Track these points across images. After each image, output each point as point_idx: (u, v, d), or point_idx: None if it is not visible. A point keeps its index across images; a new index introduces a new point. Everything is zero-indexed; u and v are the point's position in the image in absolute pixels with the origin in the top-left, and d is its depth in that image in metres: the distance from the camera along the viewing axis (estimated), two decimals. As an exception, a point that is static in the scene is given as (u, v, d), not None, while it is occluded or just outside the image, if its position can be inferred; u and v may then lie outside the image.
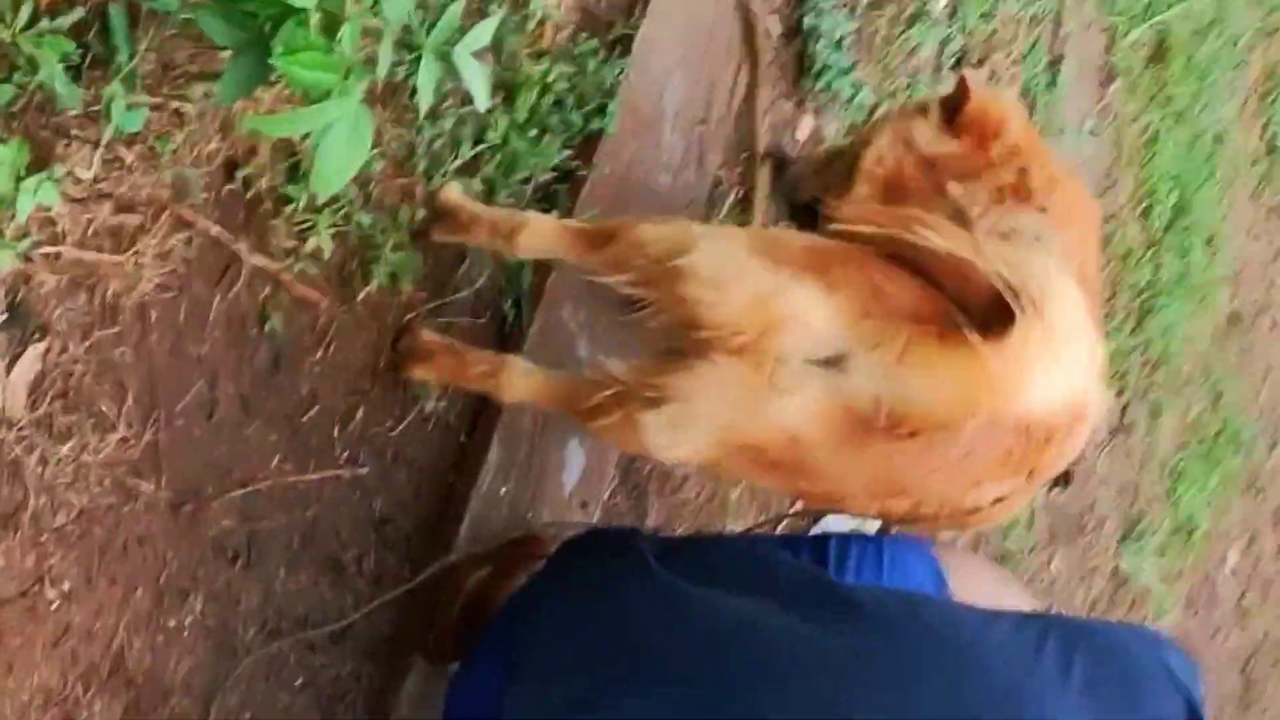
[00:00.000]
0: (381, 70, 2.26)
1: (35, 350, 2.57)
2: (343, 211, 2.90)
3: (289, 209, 2.83)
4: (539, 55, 3.26)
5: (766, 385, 2.50)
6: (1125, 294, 5.70)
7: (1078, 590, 5.79)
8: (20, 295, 2.54)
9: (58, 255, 2.57)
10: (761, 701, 2.51)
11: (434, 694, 3.12)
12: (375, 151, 2.92)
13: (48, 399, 2.60)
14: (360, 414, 3.06)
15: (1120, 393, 5.87)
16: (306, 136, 2.37)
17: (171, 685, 2.82)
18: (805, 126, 4.08)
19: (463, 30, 2.28)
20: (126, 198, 2.65)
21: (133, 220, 2.66)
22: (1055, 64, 5.15)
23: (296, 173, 2.81)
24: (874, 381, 2.49)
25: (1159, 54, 5.74)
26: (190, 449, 2.82)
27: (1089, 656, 2.57)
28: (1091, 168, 5.36)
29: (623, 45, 3.46)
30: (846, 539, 3.08)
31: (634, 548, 2.85)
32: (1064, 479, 5.12)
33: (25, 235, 2.48)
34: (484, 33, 2.35)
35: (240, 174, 2.79)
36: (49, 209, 2.49)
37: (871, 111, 4.19)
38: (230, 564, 2.89)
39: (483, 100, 2.37)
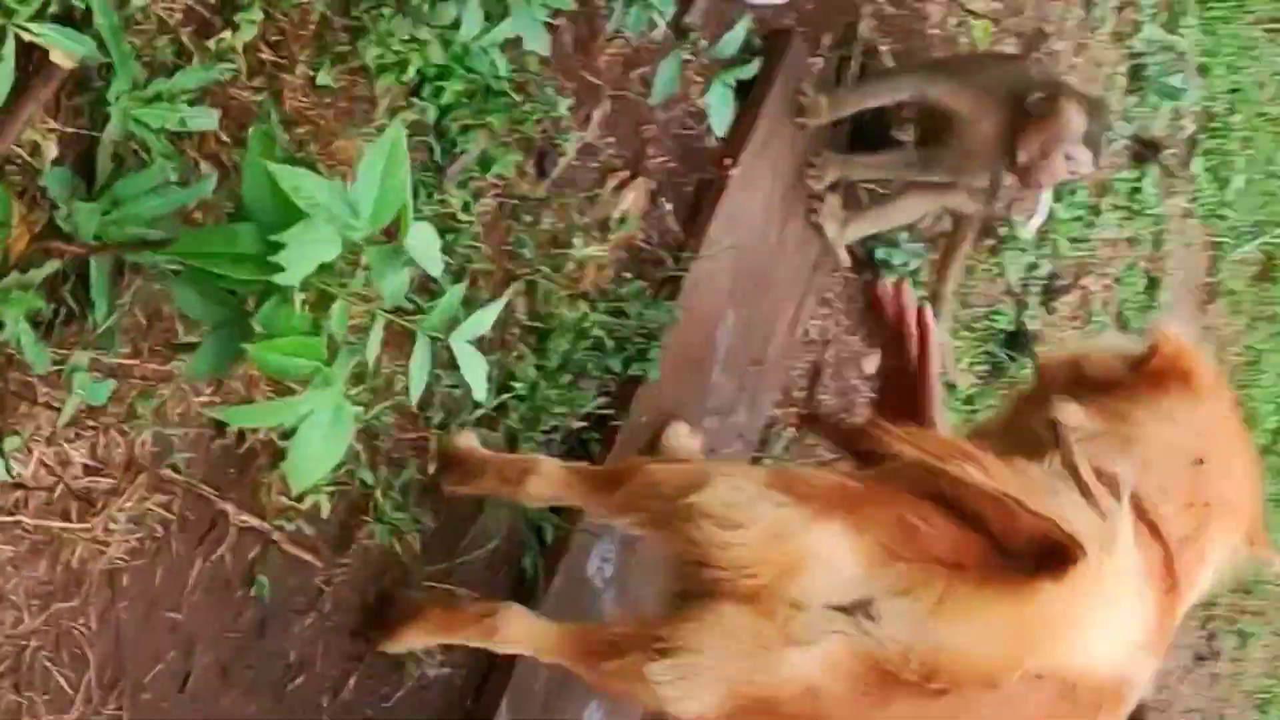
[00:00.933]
0: (370, 354, 2.06)
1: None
2: (344, 467, 2.68)
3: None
4: (577, 297, 3.05)
5: (780, 635, 2.30)
6: None
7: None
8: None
9: (17, 523, 2.35)
10: None
11: None
12: (385, 404, 2.70)
13: (-2, 677, 2.38)
14: (353, 681, 2.86)
15: (1208, 620, 5.65)
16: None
17: None
18: (872, 362, 3.87)
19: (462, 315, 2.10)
20: (100, 458, 2.46)
21: (104, 483, 2.48)
22: (1153, 285, 4.92)
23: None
24: (904, 630, 2.26)
25: (1266, 271, 5.51)
26: (160, 722, 2.58)
27: None
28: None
29: (671, 285, 3.24)
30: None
31: None
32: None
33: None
34: (485, 319, 2.17)
35: (231, 429, 2.57)
36: (10, 478, 2.29)
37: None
38: None
39: (480, 393, 2.17)
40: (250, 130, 2.04)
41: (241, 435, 2.63)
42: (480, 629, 2.72)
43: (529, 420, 3.01)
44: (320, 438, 2.08)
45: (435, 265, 2.06)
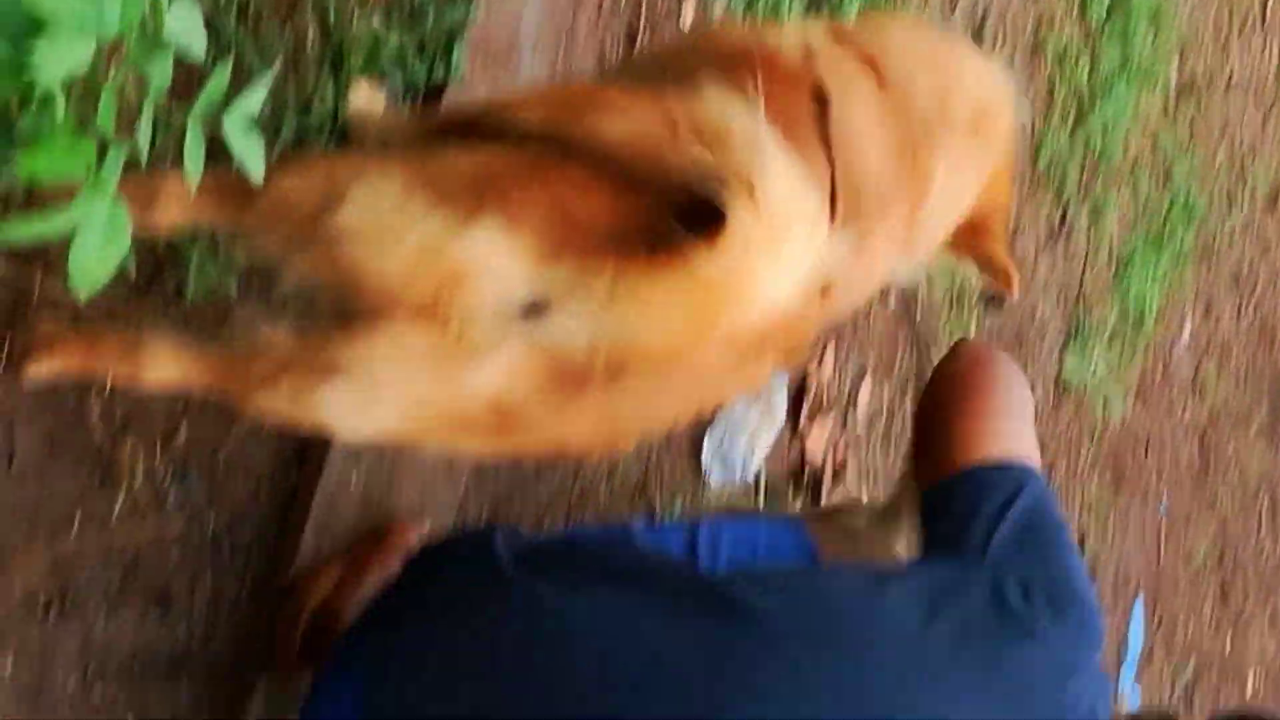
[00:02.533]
0: (142, 142, 2.01)
1: None
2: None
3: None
4: (368, 10, 2.95)
5: (455, 348, 2.15)
6: (1062, 94, 5.47)
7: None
8: None
9: None
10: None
11: (281, 709, 2.94)
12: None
13: None
14: (183, 430, 2.83)
15: (1060, 194, 5.70)
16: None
17: (-24, 760, 2.63)
18: (689, 12, 3.79)
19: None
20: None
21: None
22: None
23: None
24: (582, 329, 2.13)
25: None
26: (-15, 505, 2.57)
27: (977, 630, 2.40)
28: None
29: (468, -21, 3.13)
30: (719, 526, 2.88)
31: (490, 553, 2.61)
32: (995, 301, 4.94)
33: None
34: (253, 101, 2.10)
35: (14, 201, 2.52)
36: None
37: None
38: (43, 617, 2.71)
39: (256, 174, 2.11)
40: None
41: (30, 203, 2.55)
42: (126, 362, 2.51)
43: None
44: (97, 245, 2.04)
45: (199, 47, 2.00)
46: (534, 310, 2.15)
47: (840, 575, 2.58)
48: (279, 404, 2.33)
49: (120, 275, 2.50)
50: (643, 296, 2.10)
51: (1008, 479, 2.61)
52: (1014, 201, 2.88)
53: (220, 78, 2.08)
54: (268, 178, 2.13)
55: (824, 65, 2.51)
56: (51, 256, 2.59)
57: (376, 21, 3.00)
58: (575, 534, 2.99)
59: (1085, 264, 6.10)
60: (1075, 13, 5.59)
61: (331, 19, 2.92)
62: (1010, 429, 2.77)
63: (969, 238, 2.89)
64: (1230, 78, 6.64)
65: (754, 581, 2.50)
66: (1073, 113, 5.67)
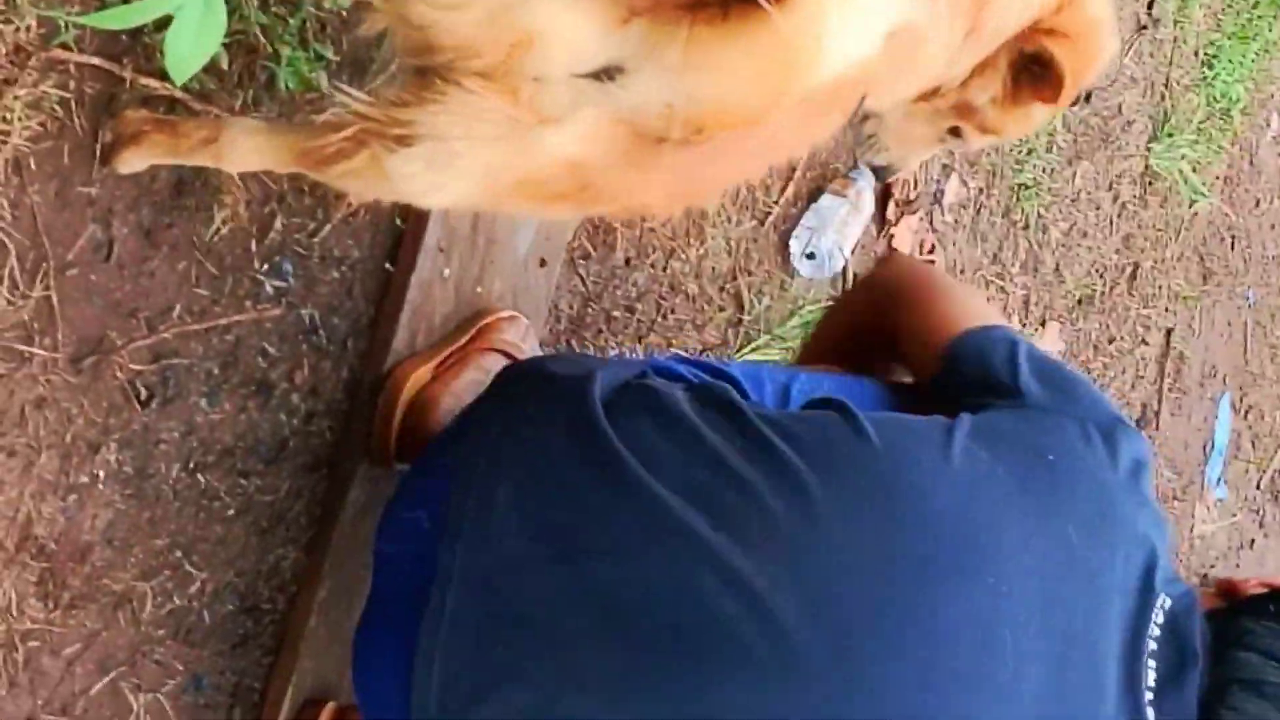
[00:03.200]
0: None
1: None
2: (236, 14, 2.63)
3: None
4: None
5: (529, 112, 2.12)
6: None
7: (1104, 197, 5.61)
8: None
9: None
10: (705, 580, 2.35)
11: (381, 498, 2.97)
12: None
13: (-85, 283, 2.39)
14: (278, 222, 2.86)
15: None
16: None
17: (90, 541, 2.71)
18: None
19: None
20: (-17, 46, 2.39)
21: (-7, 69, 2.41)
22: None
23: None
24: (658, 91, 2.11)
25: None
26: (88, 296, 2.64)
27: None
28: None
29: None
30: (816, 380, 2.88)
31: (586, 403, 2.60)
32: (1084, 97, 4.89)
33: None
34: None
35: (116, -2, 2.51)
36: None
37: None
38: (144, 406, 2.74)
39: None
40: None
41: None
42: (207, 151, 2.52)
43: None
44: (193, 30, 2.06)
45: None
46: (607, 74, 2.12)
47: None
48: (358, 174, 2.31)
49: (212, 67, 2.51)
50: (717, 58, 2.08)
51: (999, 338, 2.75)
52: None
53: None
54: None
55: None
56: (145, 48, 2.57)
57: None
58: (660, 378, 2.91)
59: (1171, 57, 6.02)
60: None
61: None
62: (976, 305, 2.94)
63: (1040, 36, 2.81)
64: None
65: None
66: None
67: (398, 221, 3.08)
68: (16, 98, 2.46)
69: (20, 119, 2.47)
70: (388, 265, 3.09)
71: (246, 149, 2.49)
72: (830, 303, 3.24)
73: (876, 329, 3.01)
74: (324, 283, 2.98)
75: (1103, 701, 2.36)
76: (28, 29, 2.45)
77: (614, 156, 2.20)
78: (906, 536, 2.37)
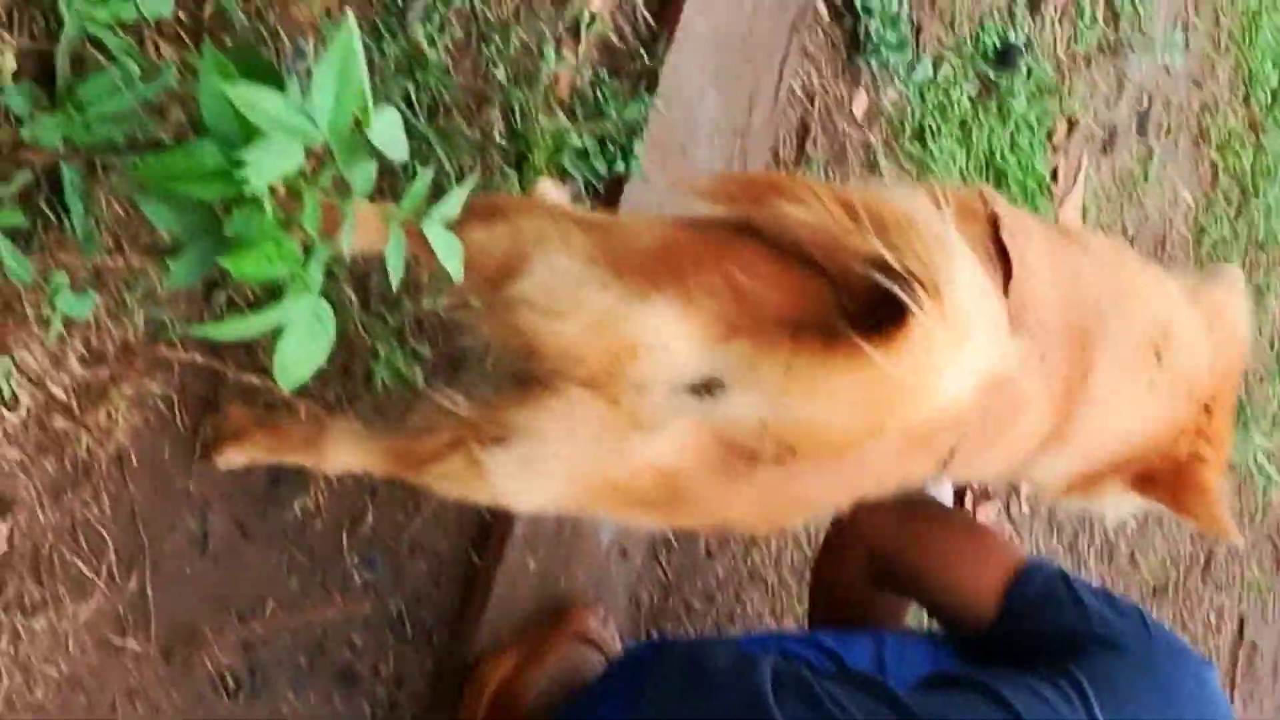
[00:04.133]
0: (345, 245, 2.06)
1: (-1, 529, 2.40)
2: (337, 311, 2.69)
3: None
4: (554, 108, 3.01)
5: (626, 419, 2.18)
6: (1225, 180, 5.44)
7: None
8: (-23, 475, 2.37)
9: (23, 428, 2.39)
10: None
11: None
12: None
13: (17, 576, 2.43)
14: (369, 515, 2.89)
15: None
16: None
17: (174, 838, 2.68)
18: (860, 103, 3.82)
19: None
20: (95, 352, 2.49)
21: (102, 373, 2.49)
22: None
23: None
24: (754, 408, 2.14)
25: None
26: (182, 589, 2.67)
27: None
28: (1185, 68, 5.06)
29: (649, 77, 3.19)
30: (903, 642, 2.92)
31: (760, 703, 2.62)
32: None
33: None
34: (453, 204, 2.15)
35: (220, 295, 2.58)
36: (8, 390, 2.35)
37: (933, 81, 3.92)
38: (232, 697, 2.76)
39: (456, 275, 2.15)
40: (202, 50, 2.01)
41: (232, 300, 2.62)
42: (307, 451, 2.57)
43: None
44: (303, 341, 2.10)
45: (400, 152, 2.05)
46: (706, 388, 2.18)
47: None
48: (454, 477, 2.37)
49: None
50: (817, 384, 2.11)
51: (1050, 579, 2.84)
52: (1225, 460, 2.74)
53: (422, 182, 2.13)
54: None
55: (1000, 207, 2.50)
56: (246, 344, 2.63)
57: (560, 118, 3.04)
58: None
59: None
60: (1240, 100, 5.55)
61: (517, 117, 2.97)
62: (983, 538, 3.04)
63: (1170, 484, 2.72)
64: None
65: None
66: (1236, 199, 5.63)
67: (485, 514, 3.11)
68: (123, 396, 2.52)
69: (124, 416, 2.53)
70: (474, 557, 3.11)
71: (346, 452, 2.54)
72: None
73: (887, 581, 3.02)
74: (411, 574, 3.01)
75: None
76: (135, 329, 2.51)
77: (705, 469, 2.23)
78: None
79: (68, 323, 2.41)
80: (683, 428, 2.20)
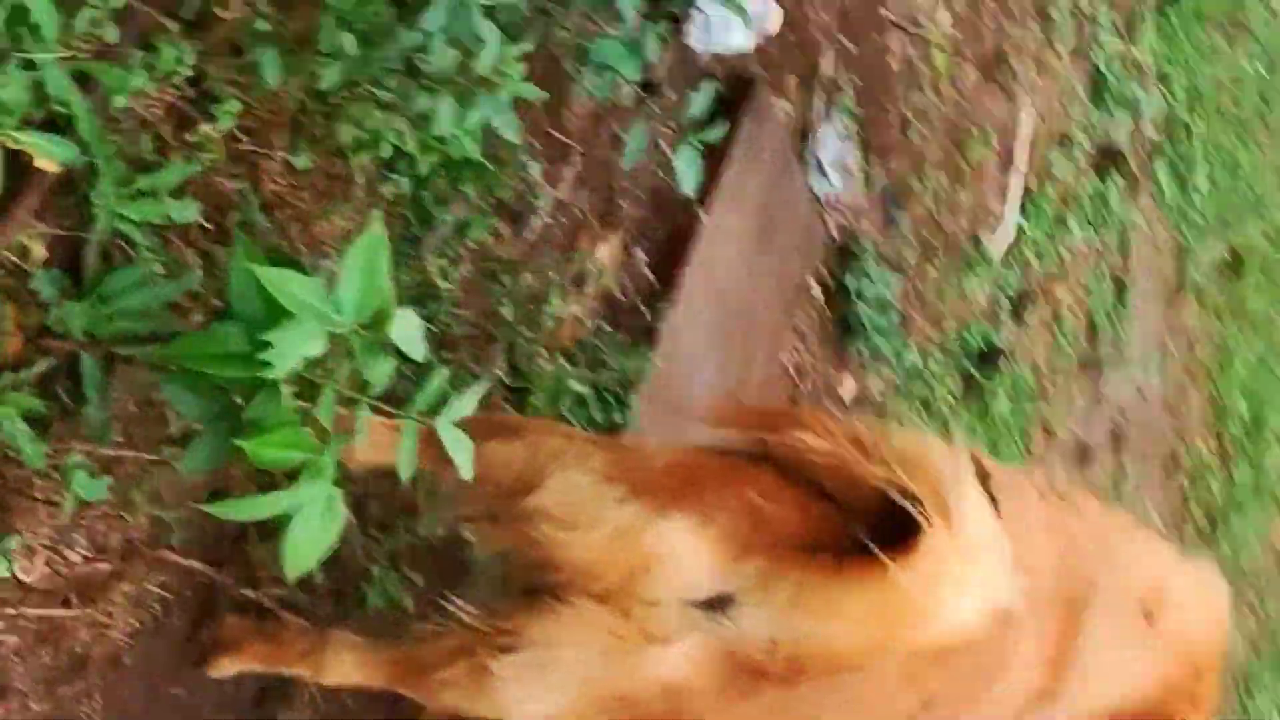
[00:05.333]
0: (359, 440, 2.11)
1: (-10, 729, 2.41)
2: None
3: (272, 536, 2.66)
4: (556, 353, 3.09)
5: (637, 632, 2.22)
6: (1195, 509, 5.53)
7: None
8: (-27, 669, 2.39)
9: (19, 615, 2.40)
10: None
11: None
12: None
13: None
14: (371, 733, 2.87)
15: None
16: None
17: None
18: (849, 388, 3.91)
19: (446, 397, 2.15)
20: (98, 546, 2.52)
21: (103, 569, 2.52)
22: (1121, 290, 4.98)
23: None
24: (764, 626, 2.20)
25: (1234, 268, 5.58)
26: (167, 803, 2.62)
27: None
28: (1160, 392, 5.18)
29: (649, 334, 3.28)
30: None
31: None
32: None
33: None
34: (468, 404, 2.21)
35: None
36: (10, 574, 2.36)
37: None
38: None
39: (466, 472, 2.20)
40: (235, 233, 2.09)
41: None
42: (307, 662, 2.60)
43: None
44: (313, 526, 2.14)
45: (418, 352, 2.11)
46: (718, 604, 2.24)
47: None
48: (459, 685, 2.39)
49: (306, 581, 2.62)
50: (828, 602, 2.18)
51: None
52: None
53: (438, 378, 2.20)
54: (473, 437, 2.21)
55: (991, 464, 2.57)
56: (244, 557, 2.68)
57: (562, 364, 3.13)
58: None
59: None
60: (1211, 432, 5.67)
61: (520, 357, 3.06)
62: None
63: None
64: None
65: None
66: (1205, 526, 5.73)
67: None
68: (124, 593, 2.55)
69: (123, 614, 2.55)
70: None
71: (346, 662, 2.57)
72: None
73: None
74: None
75: None
76: (138, 528, 2.55)
77: (712, 686, 2.27)
78: None
79: (75, 514, 2.44)
80: (694, 643, 2.25)
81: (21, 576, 2.43)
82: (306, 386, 2.07)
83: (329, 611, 2.84)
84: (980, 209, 4.32)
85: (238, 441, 2.04)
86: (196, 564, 2.66)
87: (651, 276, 3.37)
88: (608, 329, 3.26)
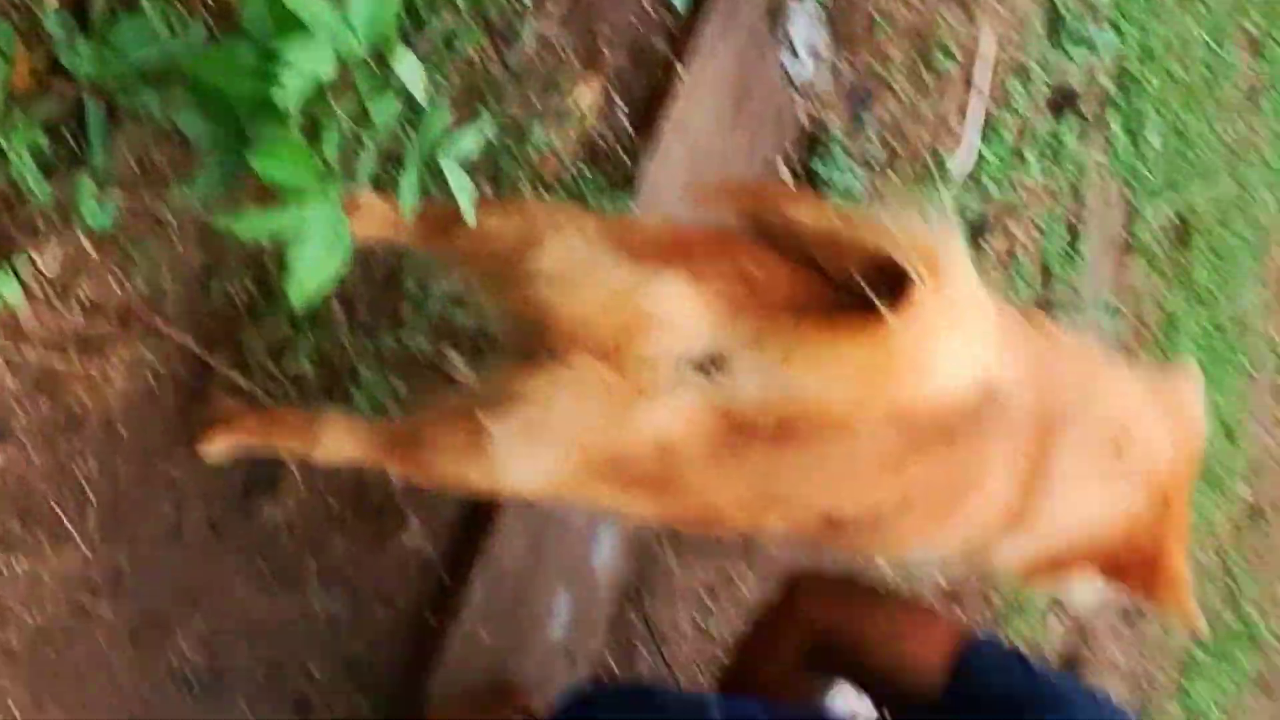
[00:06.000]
0: (364, 175, 2.18)
1: (-8, 457, 2.45)
2: (327, 331, 2.81)
3: (265, 325, 2.73)
4: (540, 184, 3.16)
5: (633, 390, 2.25)
6: None
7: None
8: (-22, 401, 2.42)
9: (21, 357, 2.45)
10: None
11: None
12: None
13: (3, 511, 2.47)
14: (338, 545, 2.95)
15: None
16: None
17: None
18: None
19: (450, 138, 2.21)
20: (97, 303, 2.55)
21: (102, 327, 2.56)
22: (1074, 236, 5.06)
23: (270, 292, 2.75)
24: (758, 382, 2.22)
25: (1181, 236, 5.66)
26: (155, 572, 2.70)
27: None
28: (1112, 342, 5.26)
29: (628, 184, 3.35)
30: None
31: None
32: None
33: (-16, 334, 2.36)
34: (470, 141, 2.27)
35: (215, 284, 2.68)
36: (13, 308, 2.42)
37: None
38: (190, 693, 2.77)
39: (469, 215, 2.26)
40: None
41: (226, 294, 2.72)
42: (300, 437, 2.61)
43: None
44: (320, 248, 2.18)
45: (420, 92, 2.17)
46: (711, 362, 2.27)
47: None
48: (455, 451, 2.43)
49: (298, 377, 2.68)
50: (820, 355, 2.21)
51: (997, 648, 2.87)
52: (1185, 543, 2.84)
53: (440, 115, 2.26)
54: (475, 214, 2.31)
55: None
56: (236, 345, 2.74)
57: (543, 193, 3.20)
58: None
59: (1152, 656, 6.15)
60: None
61: (503, 184, 3.13)
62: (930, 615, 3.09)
63: (1139, 573, 2.80)
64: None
65: None
66: None
67: (443, 577, 3.17)
68: (120, 357, 2.60)
69: (119, 377, 2.60)
70: (430, 618, 3.16)
71: (340, 435, 2.59)
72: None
73: (825, 661, 3.06)
74: (370, 617, 3.05)
75: None
76: (137, 291, 2.60)
77: (703, 445, 2.31)
78: None
79: (77, 256, 2.49)
80: (686, 401, 2.28)
81: (20, 316, 2.47)
82: (311, 123, 2.11)
83: (318, 406, 2.87)
84: (943, 125, 4.40)
85: (247, 155, 2.09)
86: (190, 343, 2.70)
87: (630, 129, 3.43)
88: (588, 173, 3.32)
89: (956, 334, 2.22)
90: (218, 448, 2.70)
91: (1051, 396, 2.57)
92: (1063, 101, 4.85)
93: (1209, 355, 6.10)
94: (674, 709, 2.79)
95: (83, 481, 2.59)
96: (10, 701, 2.53)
